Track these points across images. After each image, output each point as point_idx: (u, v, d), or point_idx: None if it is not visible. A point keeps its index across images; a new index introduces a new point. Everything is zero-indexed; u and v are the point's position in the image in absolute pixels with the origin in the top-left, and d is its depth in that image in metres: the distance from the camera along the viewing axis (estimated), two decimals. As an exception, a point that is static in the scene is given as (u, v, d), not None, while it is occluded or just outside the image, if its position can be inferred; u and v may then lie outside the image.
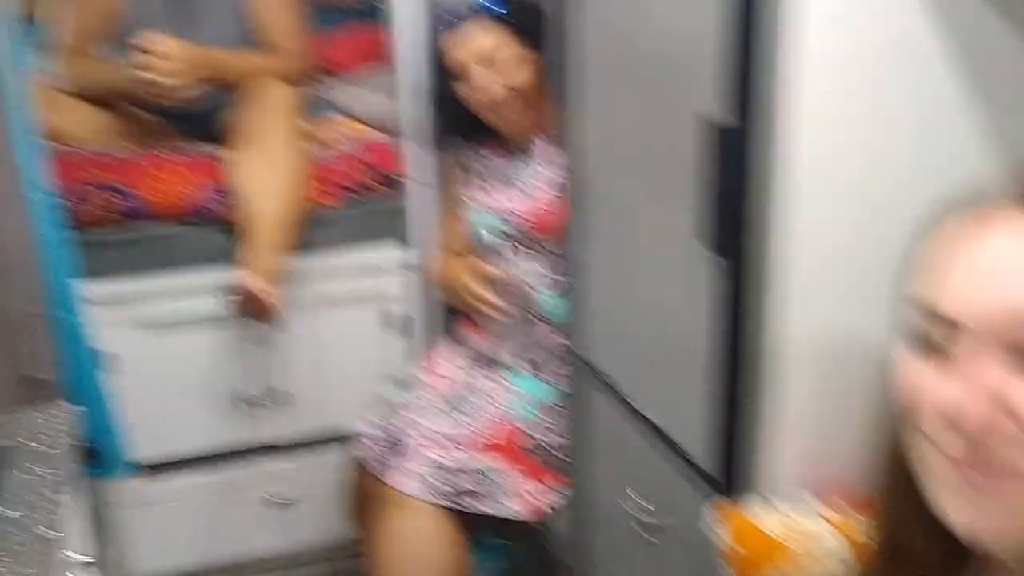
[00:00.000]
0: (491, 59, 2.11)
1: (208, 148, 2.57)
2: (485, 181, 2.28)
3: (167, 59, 2.34)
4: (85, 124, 2.53)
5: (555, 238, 2.11)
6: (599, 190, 1.82)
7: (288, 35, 2.68)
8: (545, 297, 2.21)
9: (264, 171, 2.38)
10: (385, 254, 2.57)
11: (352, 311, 2.57)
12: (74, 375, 1.79)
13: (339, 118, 2.78)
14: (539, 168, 2.18)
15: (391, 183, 2.55)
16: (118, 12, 2.60)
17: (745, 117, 1.29)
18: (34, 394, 1.67)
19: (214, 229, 2.43)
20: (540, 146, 2.18)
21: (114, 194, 2.36)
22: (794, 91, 1.23)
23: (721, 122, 1.33)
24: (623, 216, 1.73)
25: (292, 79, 2.64)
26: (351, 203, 2.53)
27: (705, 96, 1.35)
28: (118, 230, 2.38)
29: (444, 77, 2.23)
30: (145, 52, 2.33)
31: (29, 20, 2.51)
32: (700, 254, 1.41)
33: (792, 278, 1.31)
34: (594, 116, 1.79)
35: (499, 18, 2.13)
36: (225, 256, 2.41)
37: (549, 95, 2.06)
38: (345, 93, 2.88)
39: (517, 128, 2.20)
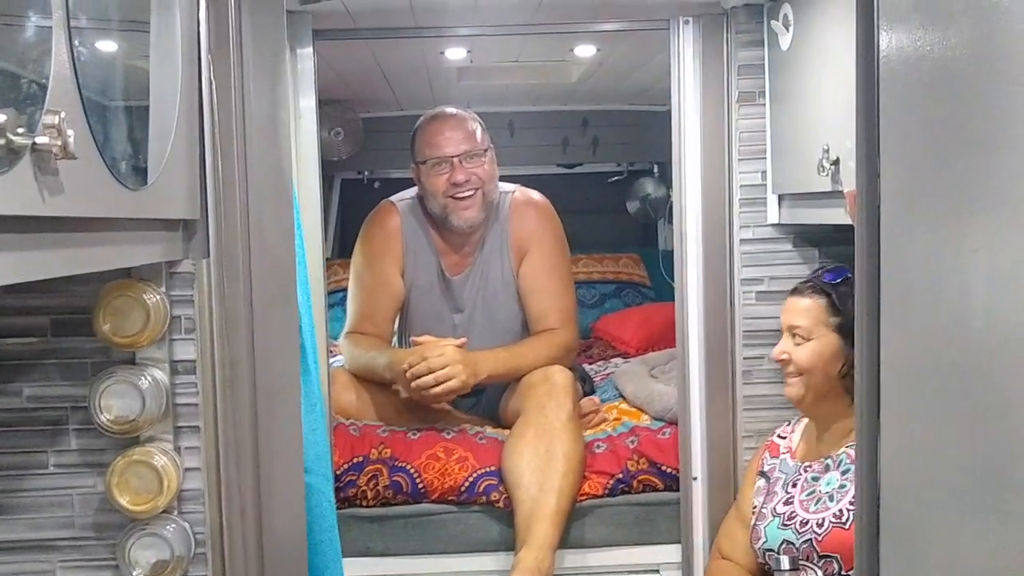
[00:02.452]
0: (792, 331, 2.00)
1: (486, 429, 2.60)
2: (785, 489, 2.07)
3: (446, 366, 2.43)
4: (366, 402, 2.63)
5: (848, 560, 1.86)
6: (902, 516, 1.58)
7: (559, 319, 2.70)
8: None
9: (541, 460, 2.33)
10: (656, 553, 2.41)
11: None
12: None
13: (619, 404, 2.73)
14: (843, 478, 1.95)
15: (666, 477, 2.42)
16: (400, 298, 2.77)
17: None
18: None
19: (486, 514, 2.40)
20: (850, 454, 1.97)
21: (392, 473, 2.41)
22: None
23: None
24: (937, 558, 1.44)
25: (567, 362, 2.64)
26: (620, 496, 2.42)
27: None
28: (390, 508, 2.41)
29: None
30: (429, 356, 2.44)
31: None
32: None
33: None
34: (896, 430, 1.58)
35: (824, 291, 2.02)
36: (496, 543, 2.37)
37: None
38: (628, 376, 2.84)
39: (820, 425, 2.02)
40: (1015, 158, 1.12)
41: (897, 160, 1.47)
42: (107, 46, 1.23)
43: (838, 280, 1.99)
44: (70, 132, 0.92)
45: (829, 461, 1.98)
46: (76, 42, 1.00)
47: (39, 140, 0.89)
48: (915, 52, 1.35)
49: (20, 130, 0.88)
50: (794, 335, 2.00)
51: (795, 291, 2.04)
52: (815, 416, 2.04)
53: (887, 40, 1.43)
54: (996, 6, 1.13)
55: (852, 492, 1.89)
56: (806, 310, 1.99)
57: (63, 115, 0.91)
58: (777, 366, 2.10)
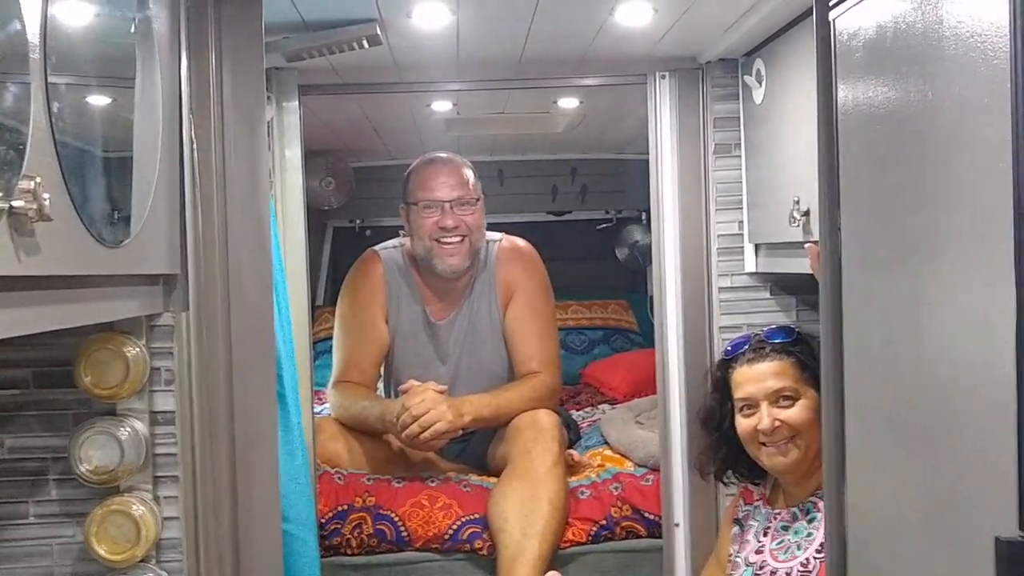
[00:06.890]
0: (775, 397, 1.98)
1: (472, 476, 2.61)
2: (756, 538, 2.08)
3: (428, 411, 2.46)
4: (353, 451, 2.64)
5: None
6: (868, 562, 1.60)
7: (542, 363, 2.73)
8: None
9: (526, 505, 2.35)
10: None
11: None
12: None
13: (604, 450, 2.75)
14: (810, 527, 1.96)
15: (649, 523, 2.43)
16: (385, 344, 2.79)
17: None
18: None
19: (470, 561, 2.40)
20: (816, 502, 1.97)
21: (376, 521, 2.42)
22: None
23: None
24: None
25: (551, 406, 2.67)
26: (604, 543, 2.43)
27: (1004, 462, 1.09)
28: (374, 556, 2.41)
29: (721, 407, 2.10)
30: (410, 405, 2.47)
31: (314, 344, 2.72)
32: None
33: None
34: (860, 477, 1.61)
35: (786, 350, 2.01)
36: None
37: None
38: (612, 423, 2.86)
39: (795, 477, 2.02)
40: (958, 215, 1.16)
41: (856, 214, 1.51)
42: (92, 104, 1.27)
43: (791, 340, 1.98)
44: (46, 196, 0.96)
45: (797, 510, 1.99)
46: (56, 105, 1.04)
47: (15, 204, 0.93)
48: (870, 108, 1.40)
49: (-2, 194, 0.92)
50: (778, 400, 1.93)
51: (750, 360, 1.97)
52: (794, 474, 1.99)
53: (844, 96, 1.48)
54: (937, 70, 1.18)
55: (818, 540, 1.90)
56: (781, 373, 1.94)
57: (39, 180, 0.94)
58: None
